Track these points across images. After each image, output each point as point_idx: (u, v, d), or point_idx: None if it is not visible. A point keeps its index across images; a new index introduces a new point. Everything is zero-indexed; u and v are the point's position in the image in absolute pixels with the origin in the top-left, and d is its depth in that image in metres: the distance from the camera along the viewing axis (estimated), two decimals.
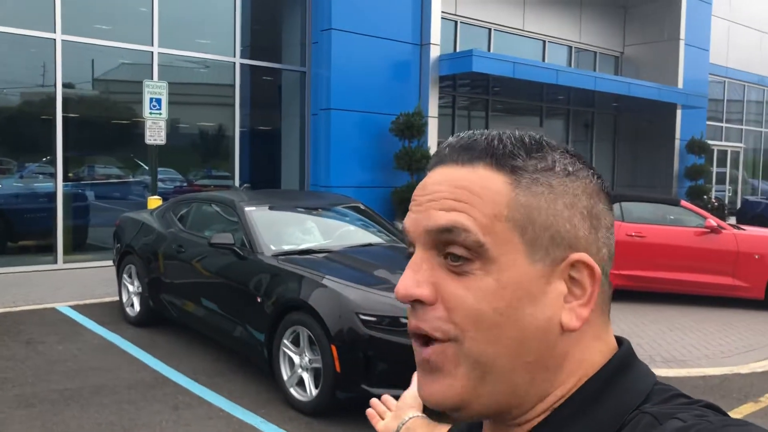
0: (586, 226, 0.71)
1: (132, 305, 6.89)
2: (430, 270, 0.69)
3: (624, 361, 0.71)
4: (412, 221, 0.72)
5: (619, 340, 0.75)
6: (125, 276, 7.05)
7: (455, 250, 0.68)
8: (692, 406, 0.65)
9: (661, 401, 0.67)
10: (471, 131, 0.75)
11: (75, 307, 7.38)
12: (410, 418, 1.19)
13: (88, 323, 6.79)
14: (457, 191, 0.69)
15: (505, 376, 0.68)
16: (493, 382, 0.68)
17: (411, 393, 1.22)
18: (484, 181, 0.70)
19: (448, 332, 0.67)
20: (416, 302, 0.69)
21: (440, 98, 12.66)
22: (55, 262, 9.58)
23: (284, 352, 4.80)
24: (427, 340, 0.70)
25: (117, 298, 7.33)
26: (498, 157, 0.71)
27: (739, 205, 18.37)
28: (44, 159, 9.69)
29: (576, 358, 0.70)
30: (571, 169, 0.72)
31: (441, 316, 0.68)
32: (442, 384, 0.68)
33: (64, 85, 9.58)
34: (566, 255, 0.69)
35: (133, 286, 6.91)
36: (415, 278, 0.69)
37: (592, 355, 0.71)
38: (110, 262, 8.20)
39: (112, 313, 7.17)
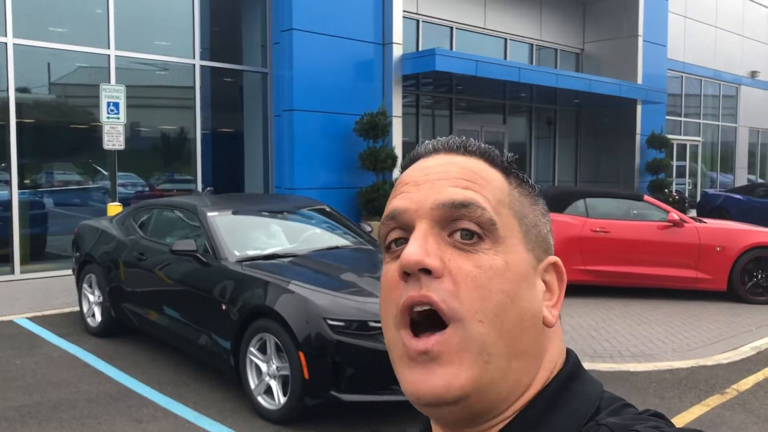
0: (551, 236, 0.78)
1: (93, 315, 6.70)
2: (437, 244, 0.69)
3: (575, 368, 0.74)
4: (413, 199, 0.72)
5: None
6: (85, 285, 6.86)
7: (468, 225, 0.69)
8: (643, 416, 0.67)
9: (613, 411, 0.69)
10: (450, 136, 0.79)
11: (33, 319, 7.16)
12: None
13: (47, 335, 6.59)
14: (468, 172, 0.73)
15: (504, 364, 0.68)
16: (493, 371, 0.67)
17: None
18: (488, 170, 0.74)
19: (456, 310, 0.66)
20: (422, 272, 0.67)
21: (404, 97, 12.63)
22: (12, 272, 9.30)
23: (251, 360, 4.69)
24: (419, 328, 0.68)
25: (77, 309, 7.13)
26: (492, 157, 0.76)
27: (699, 198, 18.73)
28: None
29: (549, 354, 0.73)
30: (536, 187, 0.79)
31: (449, 288, 0.67)
32: (445, 373, 0.66)
33: (18, 90, 9.30)
34: (545, 257, 0.74)
35: (93, 296, 6.73)
36: (425, 247, 0.68)
37: (558, 354, 0.74)
38: (70, 272, 7.98)
39: (72, 324, 6.97)
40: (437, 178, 0.72)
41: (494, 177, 0.74)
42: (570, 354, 0.76)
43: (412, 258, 0.67)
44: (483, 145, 0.76)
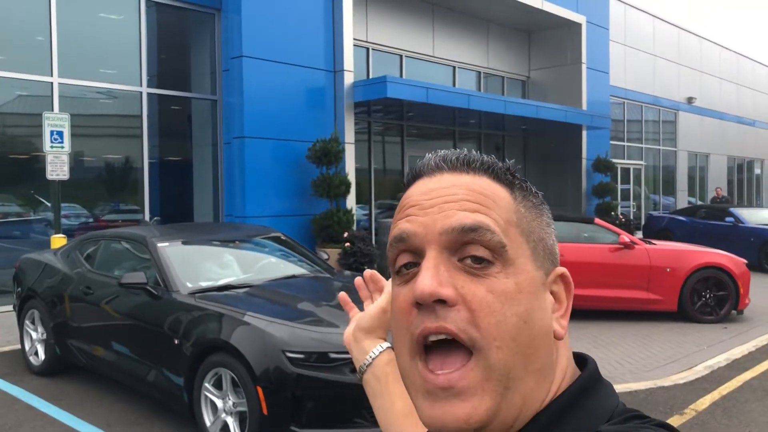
0: (557, 246, 0.78)
1: (36, 353, 6.38)
2: (448, 272, 0.68)
3: (589, 381, 0.74)
4: (421, 224, 0.71)
5: (583, 357, 0.78)
6: (27, 322, 6.53)
7: (477, 251, 0.68)
8: (645, 425, 0.68)
9: (617, 421, 0.69)
10: (452, 150, 0.77)
11: None
12: (381, 352, 1.03)
13: None
14: (475, 194, 0.71)
15: (520, 386, 0.68)
16: (511, 394, 0.68)
17: (368, 315, 1.07)
18: (493, 188, 0.73)
19: (474, 338, 0.66)
20: (437, 303, 0.67)
21: (356, 124, 12.62)
22: None
23: (206, 396, 4.51)
24: (431, 351, 0.68)
25: (19, 347, 6.78)
26: (497, 172, 0.75)
27: (643, 221, 19.19)
28: None
29: (560, 367, 0.73)
30: (539, 194, 0.79)
31: (465, 317, 0.67)
32: (468, 406, 0.66)
33: None
34: (552, 268, 0.75)
35: (36, 333, 6.41)
36: (438, 278, 0.67)
37: (567, 364, 0.75)
38: (10, 308, 7.60)
39: (13, 364, 6.61)
40: (444, 201, 0.71)
41: (500, 195, 0.73)
42: (589, 365, 0.76)
43: (426, 290, 0.67)
44: (486, 159, 0.76)
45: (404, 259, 0.72)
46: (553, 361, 0.72)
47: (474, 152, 0.76)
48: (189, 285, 5.18)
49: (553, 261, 0.75)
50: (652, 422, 0.69)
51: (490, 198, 0.72)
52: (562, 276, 0.76)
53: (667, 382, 6.03)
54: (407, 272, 0.72)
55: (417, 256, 0.71)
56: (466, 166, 0.75)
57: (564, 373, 0.74)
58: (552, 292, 0.74)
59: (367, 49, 14.07)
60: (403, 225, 0.72)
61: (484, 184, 0.73)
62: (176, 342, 4.75)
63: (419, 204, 0.72)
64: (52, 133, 8.50)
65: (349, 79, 12.02)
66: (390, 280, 0.77)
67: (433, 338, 0.68)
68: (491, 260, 0.68)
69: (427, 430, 0.72)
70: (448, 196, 0.71)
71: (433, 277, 0.67)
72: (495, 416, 0.67)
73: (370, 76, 13.70)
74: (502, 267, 0.69)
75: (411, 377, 0.71)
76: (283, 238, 6.56)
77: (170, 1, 11.04)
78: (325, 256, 6.64)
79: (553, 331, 0.72)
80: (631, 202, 20.74)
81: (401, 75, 14.73)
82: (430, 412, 0.68)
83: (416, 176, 0.77)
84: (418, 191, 0.74)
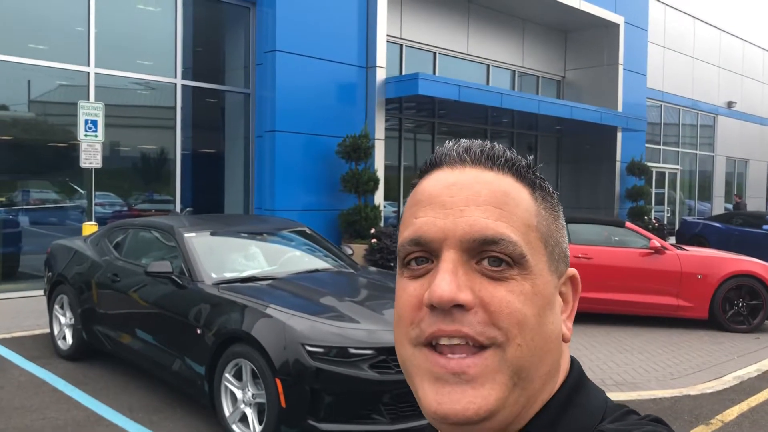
0: (568, 247, 0.77)
1: (64, 338, 6.50)
2: (466, 275, 0.67)
3: (579, 378, 0.74)
4: (440, 228, 0.68)
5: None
6: (57, 307, 6.66)
7: (498, 255, 0.67)
8: (643, 421, 0.68)
9: (615, 419, 0.69)
10: (474, 140, 0.74)
11: (2, 341, 6.93)
12: None
13: (15, 358, 6.36)
14: (498, 196, 0.69)
15: (528, 386, 0.68)
16: (519, 392, 0.67)
17: None
18: (517, 190, 0.71)
19: (495, 337, 0.66)
20: (454, 307, 0.66)
21: (386, 121, 12.61)
22: None
23: (226, 387, 4.54)
24: (447, 349, 0.67)
25: (48, 331, 6.92)
26: (520, 170, 0.73)
27: (677, 226, 18.85)
28: None
29: (563, 370, 0.73)
30: (556, 194, 0.77)
31: (483, 320, 0.66)
32: (478, 396, 0.65)
33: None
34: (565, 270, 0.74)
35: (65, 318, 6.53)
36: (456, 282, 0.66)
37: (566, 366, 0.74)
38: (42, 292, 7.76)
39: (42, 347, 6.75)
40: (466, 203, 0.69)
41: (523, 197, 0.71)
42: (574, 363, 0.76)
43: (445, 295, 0.65)
44: (509, 155, 0.73)
45: (416, 254, 0.70)
46: (559, 364, 0.72)
47: (497, 146, 0.74)
48: (213, 275, 5.22)
49: (565, 263, 0.75)
50: (648, 417, 0.70)
51: (513, 201, 0.70)
52: (571, 277, 0.76)
53: (693, 390, 5.91)
54: (418, 267, 0.70)
55: (431, 254, 0.69)
56: (490, 161, 0.72)
57: (564, 375, 0.73)
58: (560, 293, 0.74)
59: (401, 45, 14.04)
60: (421, 228, 0.70)
61: (507, 184, 0.71)
62: (199, 331, 4.79)
63: (440, 201, 0.70)
64: (86, 121, 8.64)
65: (381, 75, 12.01)
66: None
67: (445, 342, 0.66)
68: (510, 263, 0.68)
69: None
70: (471, 196, 0.69)
71: (451, 281, 0.66)
72: (501, 410, 0.66)
73: (403, 73, 13.67)
74: (521, 271, 0.68)
75: (415, 362, 0.68)
76: (308, 231, 6.57)
77: None
78: (349, 251, 6.63)
79: (562, 334, 0.72)
80: (666, 207, 20.39)
81: (434, 72, 14.68)
82: (437, 397, 0.66)
83: (435, 165, 0.74)
84: (439, 184, 0.71)
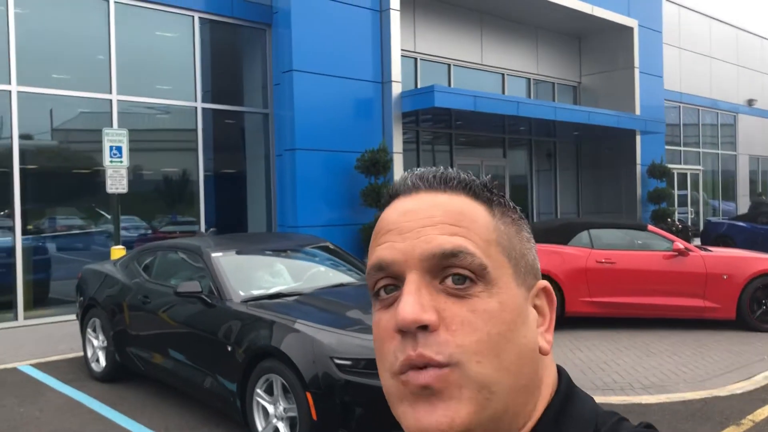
0: (537, 261, 0.77)
1: (97, 360, 6.64)
2: (430, 295, 0.68)
3: (568, 388, 0.75)
4: (400, 250, 0.70)
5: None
6: (89, 330, 6.81)
7: (460, 271, 0.68)
8: (637, 429, 0.70)
9: (609, 429, 0.71)
10: (428, 167, 0.77)
11: (37, 366, 7.09)
12: None
13: (51, 382, 6.52)
14: (453, 215, 0.71)
15: (505, 400, 0.68)
16: (494, 407, 0.67)
17: None
18: (472, 207, 0.73)
19: (452, 355, 0.66)
20: (419, 329, 0.66)
21: (404, 134, 12.71)
22: (16, 318, 9.24)
23: (258, 402, 4.63)
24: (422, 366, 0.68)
25: (81, 354, 7.07)
26: (475, 189, 0.74)
27: (702, 227, 18.68)
28: (1, 213, 9.42)
29: (546, 383, 0.74)
30: (518, 209, 0.78)
31: (444, 339, 0.66)
32: (448, 409, 0.66)
33: (22, 137, 9.37)
34: (534, 283, 0.75)
35: (98, 341, 6.67)
36: (420, 303, 0.67)
37: (553, 379, 0.75)
38: (74, 317, 7.93)
39: (76, 370, 6.90)
40: (422, 225, 0.70)
41: (479, 214, 0.72)
42: (561, 373, 0.76)
43: (408, 317, 0.66)
44: (463, 176, 0.75)
45: (383, 282, 0.71)
46: (539, 376, 0.72)
47: (450, 170, 0.76)
48: (241, 293, 5.32)
49: (534, 275, 0.75)
50: (641, 425, 0.72)
51: (468, 218, 0.71)
52: (544, 289, 0.75)
53: (723, 392, 5.88)
54: (387, 296, 0.71)
55: (397, 280, 0.70)
56: (443, 184, 0.74)
57: (550, 389, 0.74)
58: (535, 306, 0.74)
59: (415, 59, 14.16)
60: (381, 252, 0.71)
61: (462, 203, 0.72)
62: (229, 349, 4.89)
63: (397, 228, 0.71)
64: (111, 148, 8.84)
65: (397, 89, 12.13)
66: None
67: (420, 381, 0.66)
68: (473, 279, 0.68)
69: None
70: (426, 219, 0.70)
71: (415, 302, 0.67)
72: (479, 425, 0.66)
73: (418, 86, 13.77)
74: (485, 286, 0.68)
75: (394, 391, 0.69)
76: (331, 247, 6.67)
77: (223, 18, 11.38)
78: None
79: (538, 347, 0.72)
80: (689, 208, 20.21)
81: (449, 84, 14.77)
82: (414, 413, 0.67)
83: (393, 196, 0.76)
84: (396, 212, 0.73)
